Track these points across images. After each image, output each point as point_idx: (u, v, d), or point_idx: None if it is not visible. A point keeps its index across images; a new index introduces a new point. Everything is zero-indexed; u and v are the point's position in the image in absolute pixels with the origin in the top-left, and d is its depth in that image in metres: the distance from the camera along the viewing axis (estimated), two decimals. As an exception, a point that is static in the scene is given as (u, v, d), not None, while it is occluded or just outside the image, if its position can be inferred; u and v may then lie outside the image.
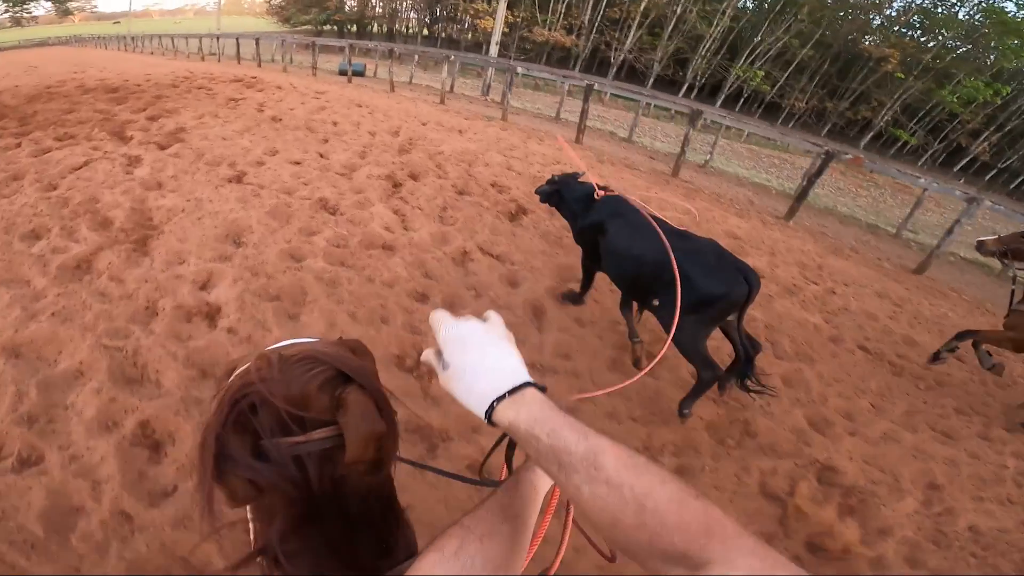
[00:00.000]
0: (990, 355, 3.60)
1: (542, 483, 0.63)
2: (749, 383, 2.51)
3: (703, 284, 2.26)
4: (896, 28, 26.91)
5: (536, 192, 3.29)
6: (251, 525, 0.60)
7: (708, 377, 2.43)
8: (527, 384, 0.55)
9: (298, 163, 5.28)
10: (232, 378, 0.57)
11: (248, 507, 0.58)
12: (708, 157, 9.11)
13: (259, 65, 15.55)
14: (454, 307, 3.10)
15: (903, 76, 24.32)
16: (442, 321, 0.61)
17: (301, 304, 2.85)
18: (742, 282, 2.30)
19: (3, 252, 3.21)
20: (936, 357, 3.76)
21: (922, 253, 6.56)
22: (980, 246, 3.78)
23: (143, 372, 2.29)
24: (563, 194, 3.11)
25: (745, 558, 0.41)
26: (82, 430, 1.98)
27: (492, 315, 0.65)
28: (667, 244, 2.14)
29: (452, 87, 11.39)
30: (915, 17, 26.80)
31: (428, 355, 0.62)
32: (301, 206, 4.17)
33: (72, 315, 2.59)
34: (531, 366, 2.65)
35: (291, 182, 4.68)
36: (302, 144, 6.00)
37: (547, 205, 3.33)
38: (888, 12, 26.74)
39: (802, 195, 6.67)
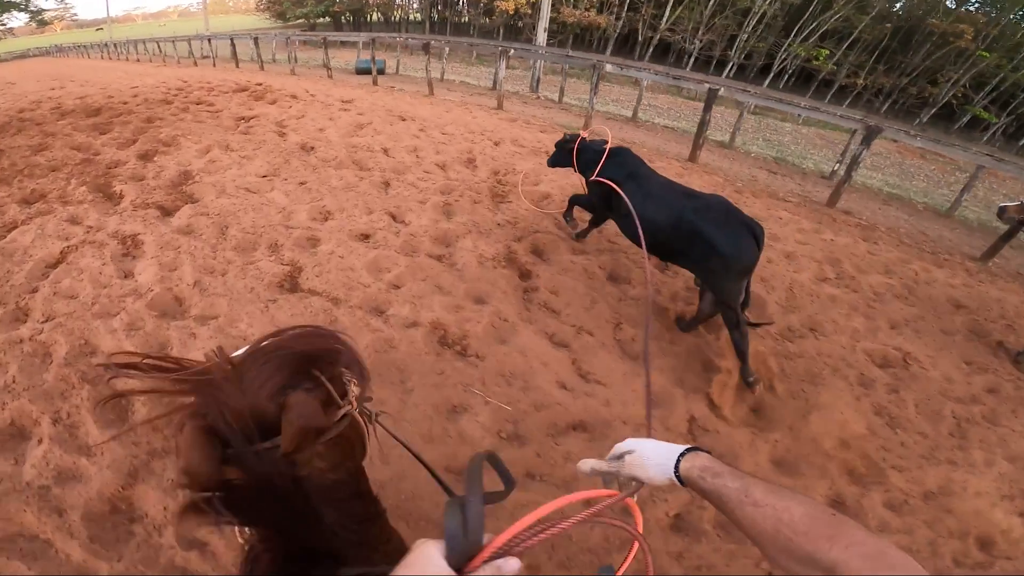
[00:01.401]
0: None
1: None
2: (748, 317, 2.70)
3: (713, 237, 2.49)
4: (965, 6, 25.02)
5: (549, 162, 3.63)
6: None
7: (737, 337, 2.57)
8: (694, 448, 0.75)
9: (366, 236, 3.66)
10: (195, 381, 0.57)
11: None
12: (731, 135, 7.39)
13: (262, 68, 13.88)
14: None
15: (987, 54, 22.61)
16: (618, 444, 0.87)
17: None
18: (749, 236, 2.49)
19: None
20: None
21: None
22: (1002, 212, 3.97)
23: None
24: (576, 152, 3.36)
25: (860, 560, 0.48)
26: None
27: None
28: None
29: (496, 83, 9.68)
30: None
31: (592, 464, 0.87)
32: (408, 341, 2.57)
33: None
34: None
35: (372, 284, 3.06)
36: (358, 194, 4.37)
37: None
38: None
39: (846, 179, 5.70)
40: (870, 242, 4.81)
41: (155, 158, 5.41)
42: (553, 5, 25.52)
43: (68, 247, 3.43)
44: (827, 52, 23.71)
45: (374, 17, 39.16)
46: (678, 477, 0.73)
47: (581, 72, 16.99)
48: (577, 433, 2.28)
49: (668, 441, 0.79)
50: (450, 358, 2.58)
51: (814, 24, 24.05)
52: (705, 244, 2.49)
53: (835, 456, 2.28)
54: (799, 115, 16.27)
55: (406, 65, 15.55)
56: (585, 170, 3.28)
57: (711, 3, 23.44)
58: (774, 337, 3.09)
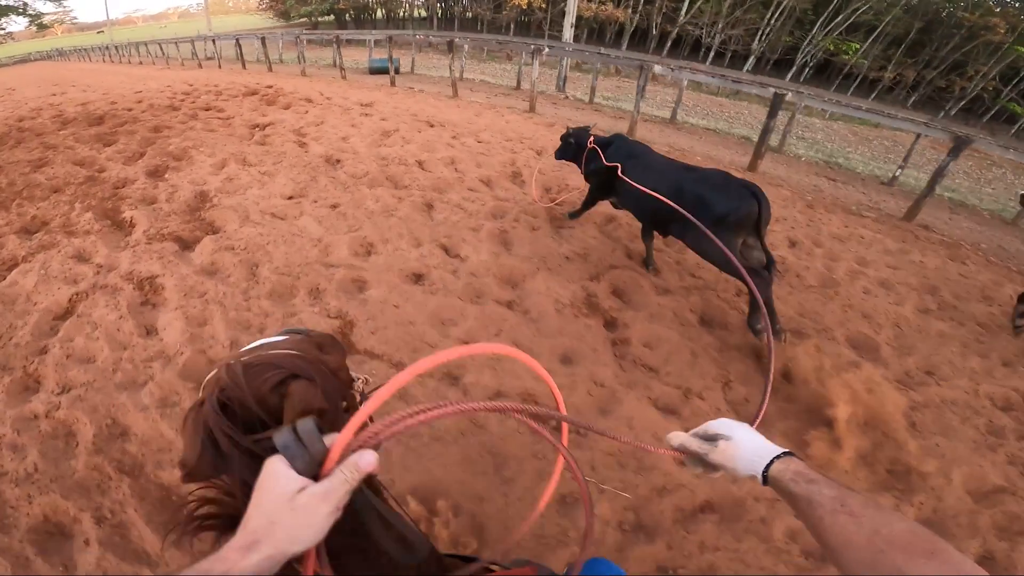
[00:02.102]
0: None
1: None
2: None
3: (713, 200, 2.56)
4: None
5: (556, 155, 3.86)
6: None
7: (755, 283, 2.52)
8: (789, 453, 0.73)
9: (420, 277, 3.17)
10: (204, 381, 0.62)
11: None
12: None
13: (270, 69, 13.41)
14: None
15: (1021, 49, 21.88)
16: (712, 422, 0.85)
17: None
18: (749, 196, 2.53)
19: None
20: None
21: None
22: None
23: None
24: (579, 145, 3.60)
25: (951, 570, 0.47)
26: None
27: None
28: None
29: (529, 83, 9.16)
30: None
31: (682, 439, 0.85)
32: (496, 417, 2.09)
33: None
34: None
35: (439, 342, 2.57)
36: (400, 220, 3.88)
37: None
38: None
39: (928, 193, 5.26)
40: (958, 262, 4.36)
41: (166, 175, 4.96)
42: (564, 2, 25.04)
43: (77, 293, 2.97)
44: (857, 46, 22.99)
45: (379, 15, 38.64)
46: (765, 477, 0.72)
47: (602, 68, 16.46)
48: (707, 515, 1.93)
49: None
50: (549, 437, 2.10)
51: (839, 17, 23.34)
52: (704, 206, 2.54)
53: (981, 512, 2.07)
54: (828, 112, 15.69)
55: (420, 64, 15.05)
56: (587, 162, 3.51)
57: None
58: (896, 386, 2.64)
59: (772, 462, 0.72)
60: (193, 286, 2.95)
